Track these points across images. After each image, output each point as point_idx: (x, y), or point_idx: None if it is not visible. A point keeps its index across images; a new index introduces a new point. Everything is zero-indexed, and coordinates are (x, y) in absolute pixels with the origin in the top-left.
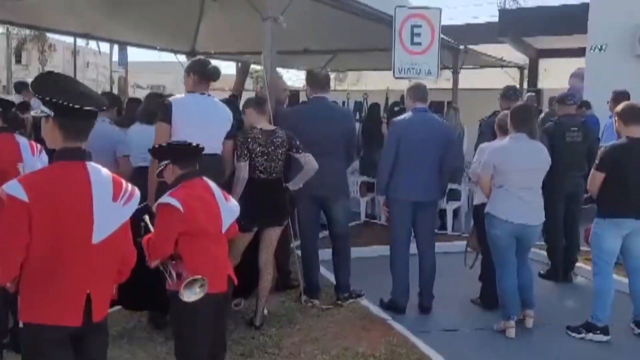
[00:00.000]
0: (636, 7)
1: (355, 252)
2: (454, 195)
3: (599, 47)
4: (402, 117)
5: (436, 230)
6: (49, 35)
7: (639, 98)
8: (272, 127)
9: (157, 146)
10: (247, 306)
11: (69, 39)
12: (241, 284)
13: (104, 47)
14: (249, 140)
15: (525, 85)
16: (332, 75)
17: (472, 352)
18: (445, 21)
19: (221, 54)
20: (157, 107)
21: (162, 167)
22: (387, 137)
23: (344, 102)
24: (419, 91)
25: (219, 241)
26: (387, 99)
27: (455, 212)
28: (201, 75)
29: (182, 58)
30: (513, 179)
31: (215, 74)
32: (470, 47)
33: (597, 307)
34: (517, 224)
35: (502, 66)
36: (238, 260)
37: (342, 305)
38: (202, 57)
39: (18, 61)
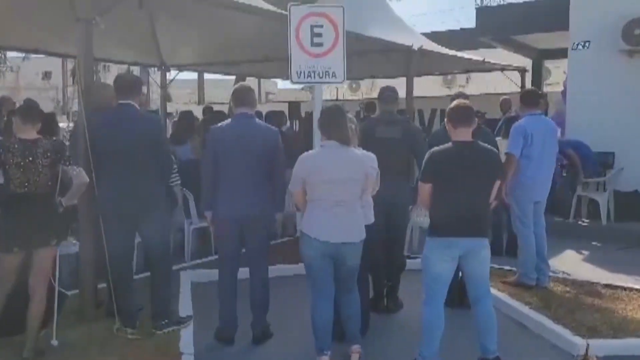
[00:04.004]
0: (617, 1)
1: None
2: None
3: (582, 44)
4: (220, 124)
5: None
6: None
7: (625, 94)
8: (34, 137)
9: None
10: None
11: None
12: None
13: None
14: (1, 150)
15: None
16: (345, 85)
17: None
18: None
19: (189, 66)
20: None
21: None
22: None
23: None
24: (241, 95)
25: None
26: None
27: None
28: None
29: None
30: (323, 191)
31: None
32: (459, 53)
33: (423, 342)
34: (328, 242)
35: (503, 69)
36: (9, 286)
37: (155, 334)
38: None
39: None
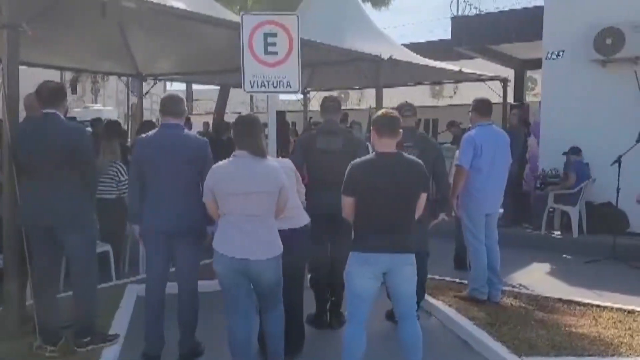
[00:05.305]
0: (590, 10)
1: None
2: None
3: (556, 53)
4: (145, 134)
5: None
6: None
7: (598, 104)
8: None
9: None
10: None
11: None
12: None
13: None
14: None
15: (510, 99)
16: (334, 95)
17: None
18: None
19: (165, 76)
20: None
21: None
22: None
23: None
24: (168, 105)
25: None
26: (369, 118)
27: None
28: None
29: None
30: (232, 204)
31: None
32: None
33: None
34: (236, 258)
35: (483, 80)
36: None
37: (76, 352)
38: None
39: (74, 92)
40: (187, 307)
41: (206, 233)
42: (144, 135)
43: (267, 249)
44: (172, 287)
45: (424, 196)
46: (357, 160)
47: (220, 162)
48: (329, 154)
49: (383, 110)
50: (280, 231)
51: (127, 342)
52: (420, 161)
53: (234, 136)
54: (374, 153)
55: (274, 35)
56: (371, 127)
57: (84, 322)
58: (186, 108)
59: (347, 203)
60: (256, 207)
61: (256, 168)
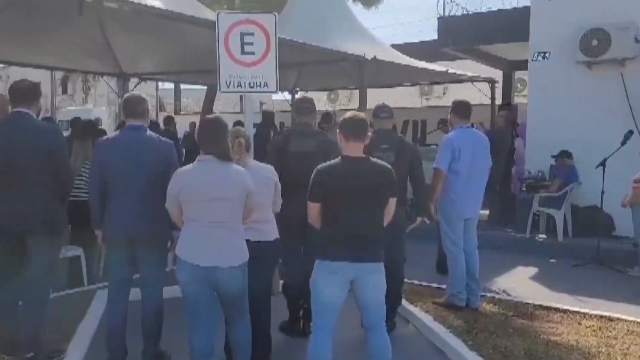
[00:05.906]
0: (576, 11)
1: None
2: None
3: (542, 55)
4: (106, 136)
5: None
6: None
7: (584, 106)
8: None
9: None
10: None
11: None
12: None
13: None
14: None
15: (499, 101)
16: (324, 95)
17: None
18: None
19: (153, 75)
20: None
21: None
22: None
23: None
24: (130, 106)
25: None
26: None
27: None
28: None
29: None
30: (197, 211)
31: None
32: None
33: None
34: (200, 266)
35: (466, 80)
36: None
37: None
38: None
39: (64, 91)
40: (151, 315)
41: (172, 238)
42: (104, 137)
43: (233, 257)
44: (136, 294)
45: (392, 202)
46: (323, 164)
47: (184, 167)
48: (301, 156)
49: (350, 113)
50: (247, 242)
51: (90, 351)
52: (388, 166)
53: (198, 140)
54: (340, 157)
55: (251, 34)
56: (337, 131)
57: (30, 334)
58: (149, 108)
59: (313, 209)
60: (223, 213)
61: (222, 173)
